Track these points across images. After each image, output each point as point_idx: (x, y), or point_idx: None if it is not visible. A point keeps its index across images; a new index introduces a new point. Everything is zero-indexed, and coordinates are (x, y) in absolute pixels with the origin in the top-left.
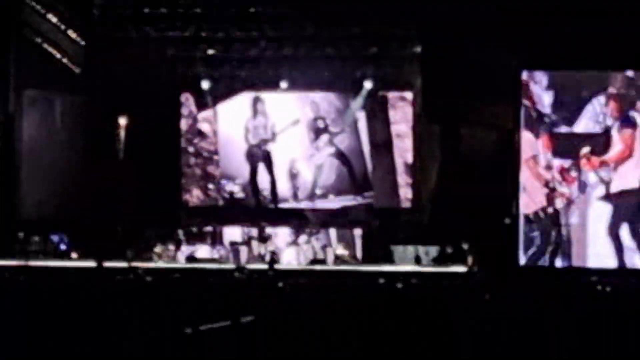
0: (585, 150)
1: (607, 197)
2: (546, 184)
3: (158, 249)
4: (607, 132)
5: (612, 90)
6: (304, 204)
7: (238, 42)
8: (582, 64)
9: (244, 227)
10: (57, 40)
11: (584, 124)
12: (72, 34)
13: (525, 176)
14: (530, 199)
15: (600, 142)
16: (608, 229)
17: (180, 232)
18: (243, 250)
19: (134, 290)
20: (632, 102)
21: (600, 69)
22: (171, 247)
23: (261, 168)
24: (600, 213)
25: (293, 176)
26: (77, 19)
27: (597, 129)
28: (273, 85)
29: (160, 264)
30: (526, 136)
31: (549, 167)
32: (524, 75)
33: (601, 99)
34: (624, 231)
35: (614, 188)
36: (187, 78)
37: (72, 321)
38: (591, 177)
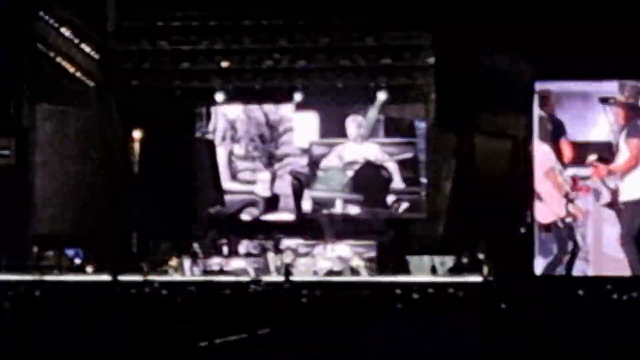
0: (592, 157)
1: (615, 205)
2: (566, 194)
3: (173, 262)
4: (615, 140)
5: (620, 98)
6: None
7: (252, 54)
8: (593, 74)
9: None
10: (71, 54)
11: (596, 133)
12: (86, 47)
13: (545, 187)
14: (549, 209)
15: (608, 150)
16: (620, 238)
17: (196, 245)
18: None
19: (149, 304)
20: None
21: (610, 78)
22: (187, 260)
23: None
24: (612, 222)
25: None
26: (91, 33)
27: (607, 137)
28: (287, 97)
29: (176, 277)
30: (543, 147)
31: (566, 178)
32: (545, 86)
33: (610, 107)
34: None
35: (623, 197)
36: (202, 90)
37: (86, 334)
38: (599, 186)
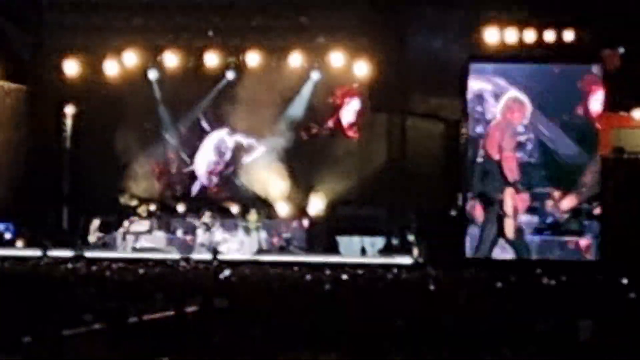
0: None
1: None
2: None
3: (104, 237)
4: None
5: None
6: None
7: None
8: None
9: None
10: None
11: None
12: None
13: None
14: None
15: None
16: None
17: (127, 222)
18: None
19: (78, 279)
20: None
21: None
22: (118, 236)
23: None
24: None
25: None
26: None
27: None
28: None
29: (105, 253)
30: None
31: None
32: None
33: None
34: None
35: None
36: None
37: (16, 309)
38: None
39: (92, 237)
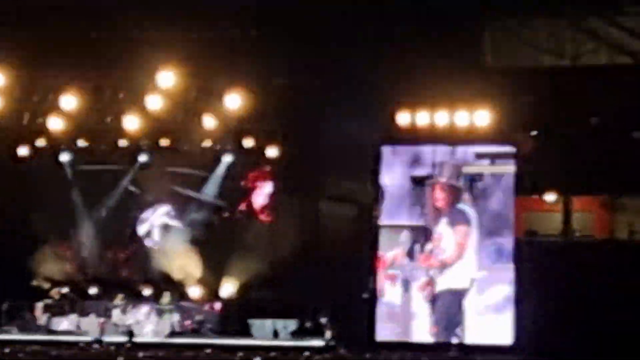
0: (429, 247)
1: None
2: None
3: (17, 320)
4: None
5: (441, 179)
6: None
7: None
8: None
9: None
10: None
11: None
12: None
13: None
14: None
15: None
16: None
17: (40, 304)
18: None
19: None
20: (460, 194)
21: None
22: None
23: None
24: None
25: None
26: None
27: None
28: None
29: (18, 336)
30: None
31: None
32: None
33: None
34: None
35: (438, 287)
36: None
37: None
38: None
39: (41, 319)
